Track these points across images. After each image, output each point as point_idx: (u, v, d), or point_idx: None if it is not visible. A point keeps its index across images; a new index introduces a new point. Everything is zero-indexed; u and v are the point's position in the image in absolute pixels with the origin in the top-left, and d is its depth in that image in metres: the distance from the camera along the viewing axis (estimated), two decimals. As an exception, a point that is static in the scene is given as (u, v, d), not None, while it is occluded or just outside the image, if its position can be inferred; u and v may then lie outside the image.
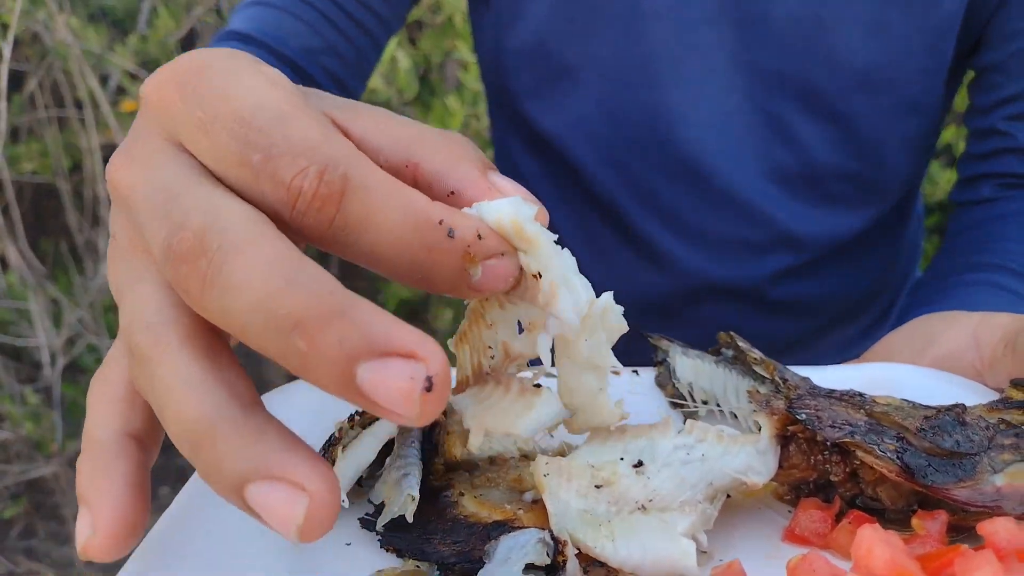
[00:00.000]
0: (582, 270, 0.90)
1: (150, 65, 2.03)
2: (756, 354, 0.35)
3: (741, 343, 0.36)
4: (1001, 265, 0.52)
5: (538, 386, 0.26)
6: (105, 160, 2.31)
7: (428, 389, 0.19)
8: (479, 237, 0.23)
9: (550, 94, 0.63)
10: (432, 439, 0.31)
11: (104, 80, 2.25)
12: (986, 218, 0.58)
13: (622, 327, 0.26)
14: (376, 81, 1.54)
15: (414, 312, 2.49)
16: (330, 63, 0.57)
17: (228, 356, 0.23)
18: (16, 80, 2.14)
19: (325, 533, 0.20)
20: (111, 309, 2.26)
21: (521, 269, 0.24)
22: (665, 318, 0.70)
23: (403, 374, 0.19)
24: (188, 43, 2.19)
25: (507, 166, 0.76)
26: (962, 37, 0.57)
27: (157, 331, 0.22)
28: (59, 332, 2.02)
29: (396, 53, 1.53)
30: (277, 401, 0.34)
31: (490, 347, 0.26)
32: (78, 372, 2.18)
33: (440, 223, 0.22)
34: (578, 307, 0.24)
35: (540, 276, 0.23)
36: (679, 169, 0.63)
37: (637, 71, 0.59)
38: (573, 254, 0.85)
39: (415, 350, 0.19)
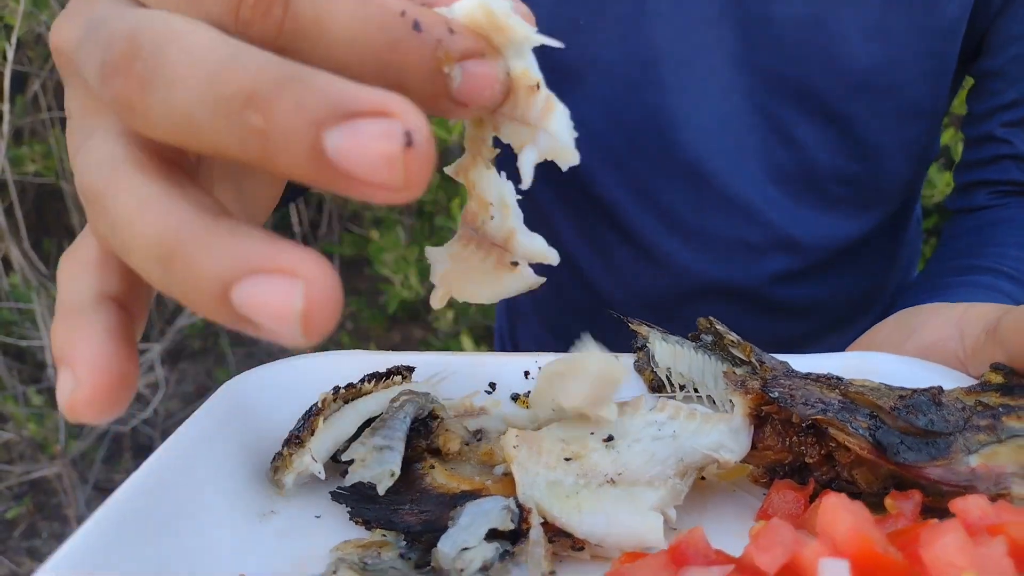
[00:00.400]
0: (583, 268, 0.89)
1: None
2: (733, 337, 0.35)
3: (719, 327, 0.36)
4: (994, 268, 0.52)
5: (516, 264, 0.24)
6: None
7: (409, 145, 0.17)
8: (450, 32, 0.20)
9: None
10: (428, 425, 0.31)
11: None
12: (981, 224, 0.58)
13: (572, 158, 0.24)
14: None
15: (415, 313, 2.49)
16: None
17: (189, 179, 0.21)
18: (18, 81, 2.15)
19: (329, 324, 0.18)
20: (113, 309, 2.27)
21: (511, 82, 0.21)
22: (665, 318, 0.70)
23: (377, 132, 0.17)
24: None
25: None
26: (964, 43, 0.57)
27: (109, 166, 0.20)
28: (61, 332, 2.03)
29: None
30: (253, 380, 0.34)
31: (491, 204, 0.24)
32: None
33: (403, 14, 0.20)
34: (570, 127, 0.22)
35: (539, 87, 0.21)
36: (680, 170, 0.63)
37: (639, 72, 0.59)
38: (573, 253, 0.83)
39: (386, 106, 0.17)
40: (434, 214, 2.08)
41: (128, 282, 0.22)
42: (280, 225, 2.82)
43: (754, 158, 0.61)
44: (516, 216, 0.23)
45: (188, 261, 0.18)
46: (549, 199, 0.71)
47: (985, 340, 0.34)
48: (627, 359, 0.40)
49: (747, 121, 0.59)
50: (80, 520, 1.85)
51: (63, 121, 2.44)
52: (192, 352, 2.43)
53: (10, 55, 1.75)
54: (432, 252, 0.24)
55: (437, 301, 0.23)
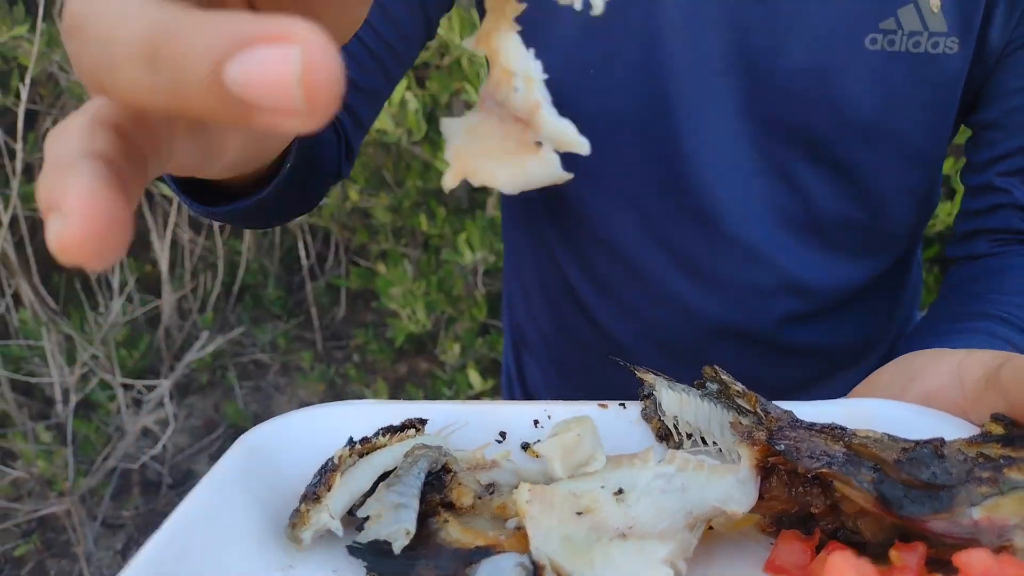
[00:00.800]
0: (590, 307, 0.90)
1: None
2: (739, 387, 0.36)
3: (724, 376, 0.37)
4: (996, 315, 0.53)
5: (540, 145, 0.22)
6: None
7: (309, 68, 0.16)
8: None
9: None
10: (441, 479, 0.32)
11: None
12: (982, 272, 0.59)
13: None
14: (386, 123, 1.57)
15: (421, 346, 2.49)
16: (350, 96, 0.58)
17: None
18: (29, 118, 2.19)
19: (332, 90, 0.17)
20: (124, 344, 2.28)
21: None
22: (675, 358, 0.71)
23: (273, 57, 0.16)
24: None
25: (514, 201, 0.77)
26: (963, 94, 0.58)
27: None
28: (72, 369, 2.03)
29: (406, 95, 1.56)
30: (268, 432, 0.34)
31: (515, 73, 0.21)
32: (91, 409, 2.20)
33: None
34: None
35: None
36: (692, 213, 0.64)
37: (651, 119, 0.60)
38: (580, 292, 0.84)
39: (285, 31, 0.16)
40: (440, 248, 2.10)
41: (120, 144, 0.21)
42: (287, 258, 2.84)
43: (761, 203, 0.62)
44: (542, 91, 0.21)
45: (176, 47, 0.17)
46: (556, 240, 0.73)
47: (985, 388, 0.35)
48: (634, 407, 0.40)
49: (754, 167, 0.61)
50: (88, 558, 1.84)
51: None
52: (199, 386, 2.44)
53: (24, 95, 1.79)
54: (447, 123, 0.22)
55: (450, 180, 0.21)
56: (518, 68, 0.20)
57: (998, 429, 0.32)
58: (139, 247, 2.85)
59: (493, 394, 1.96)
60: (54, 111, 2.37)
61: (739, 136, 0.59)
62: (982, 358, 0.36)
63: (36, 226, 2.61)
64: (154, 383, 2.12)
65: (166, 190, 2.09)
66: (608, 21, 0.58)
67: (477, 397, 1.93)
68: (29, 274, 2.24)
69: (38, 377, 2.07)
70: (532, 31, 0.61)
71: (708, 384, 0.39)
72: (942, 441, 0.31)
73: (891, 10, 0.54)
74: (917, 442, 0.31)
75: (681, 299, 0.68)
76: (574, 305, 0.75)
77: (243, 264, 2.61)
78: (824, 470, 0.29)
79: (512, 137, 0.21)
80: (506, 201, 0.81)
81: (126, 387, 2.16)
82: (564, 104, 0.67)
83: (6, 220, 1.97)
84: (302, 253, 2.59)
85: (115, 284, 2.34)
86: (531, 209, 0.74)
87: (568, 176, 0.21)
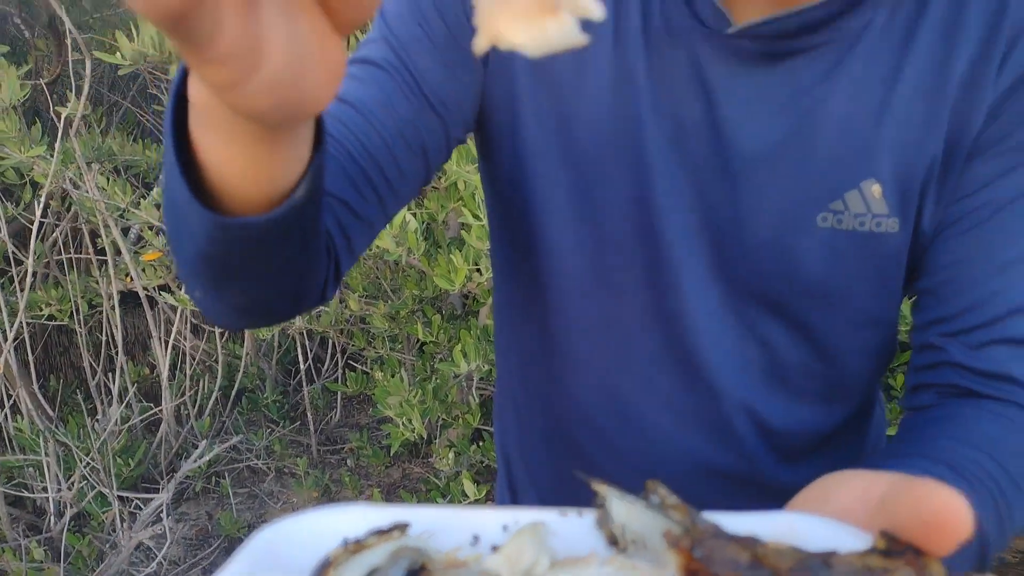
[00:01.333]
0: (579, 453, 0.95)
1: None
2: (673, 499, 0.40)
3: (662, 489, 0.41)
4: (930, 455, 0.56)
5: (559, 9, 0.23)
6: (121, 306, 2.41)
7: None
8: None
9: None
10: None
11: (126, 231, 2.39)
12: (925, 421, 0.63)
13: None
14: (388, 242, 1.65)
15: (415, 449, 2.50)
16: (347, 220, 0.62)
17: None
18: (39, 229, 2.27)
19: None
20: (121, 453, 2.29)
21: None
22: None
23: None
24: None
25: (508, 339, 0.83)
26: (907, 266, 0.65)
27: None
28: (68, 481, 2.03)
29: (406, 216, 1.65)
30: (274, 533, 0.39)
31: None
32: (84, 522, 2.18)
33: None
34: None
35: None
36: (677, 359, 0.70)
37: (643, 277, 0.68)
38: (572, 433, 0.90)
39: None
40: (435, 354, 2.14)
41: None
42: (284, 359, 2.88)
43: (734, 354, 0.69)
44: None
45: None
46: (548, 383, 0.78)
47: (880, 506, 0.37)
48: (591, 514, 0.44)
49: (727, 322, 0.68)
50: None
51: (80, 263, 2.55)
52: (194, 493, 2.43)
53: (38, 211, 1.88)
54: None
55: (481, 44, 0.22)
56: None
57: (882, 543, 0.36)
58: (137, 349, 2.89)
59: (487, 500, 1.97)
60: (62, 224, 2.47)
61: (712, 295, 0.67)
62: (888, 479, 0.39)
63: (36, 333, 2.67)
64: (150, 496, 2.12)
65: (169, 297, 2.16)
66: (601, 191, 0.66)
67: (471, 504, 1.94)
68: (29, 381, 2.27)
69: (32, 492, 2.06)
70: (533, 192, 0.68)
71: (650, 496, 0.43)
72: (834, 553, 0.35)
73: (839, 193, 0.62)
74: (812, 553, 0.35)
75: (668, 439, 0.73)
76: (566, 445, 0.79)
77: (242, 367, 2.64)
78: (729, 574, 0.33)
79: (535, 1, 0.22)
80: (500, 350, 0.86)
81: (122, 499, 2.15)
82: (557, 259, 0.74)
83: (11, 330, 2.02)
84: (300, 357, 2.63)
85: (115, 390, 2.37)
86: (524, 351, 0.80)
87: (585, 40, 0.22)
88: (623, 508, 0.43)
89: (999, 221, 0.60)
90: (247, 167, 0.41)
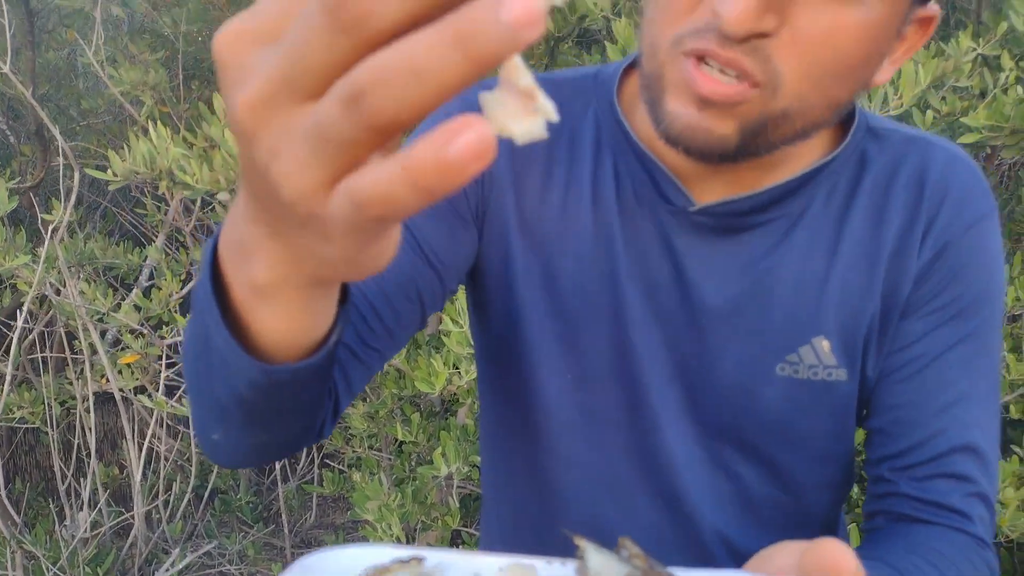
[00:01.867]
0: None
1: (152, 321, 2.18)
2: (637, 550, 0.47)
3: (630, 545, 0.48)
4: (879, 559, 0.63)
5: (537, 112, 0.31)
6: (95, 409, 2.38)
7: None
8: None
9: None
10: None
11: (104, 333, 2.39)
12: (877, 539, 0.71)
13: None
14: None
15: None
16: (349, 363, 0.66)
17: None
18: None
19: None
20: (91, 562, 2.22)
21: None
22: None
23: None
24: (190, 301, 2.36)
25: (494, 460, 0.87)
26: (857, 409, 0.73)
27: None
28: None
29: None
30: (314, 560, 0.43)
31: (518, 66, 0.30)
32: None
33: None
34: None
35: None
36: (657, 494, 0.76)
37: (625, 416, 0.75)
38: (544, 542, 0.94)
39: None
40: (412, 454, 2.15)
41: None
42: (259, 460, 2.84)
43: (709, 487, 0.75)
44: (534, 78, 0.30)
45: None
46: (537, 516, 0.82)
47: (799, 570, 0.44)
48: (571, 564, 0.50)
49: (701, 458, 0.74)
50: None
51: (58, 363, 2.53)
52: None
53: (19, 319, 1.88)
54: (484, 96, 0.30)
55: (491, 133, 0.28)
56: (519, 64, 0.29)
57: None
58: (106, 448, 2.84)
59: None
60: (40, 325, 2.46)
61: (687, 434, 0.74)
62: (818, 544, 0.45)
63: (2, 435, 2.61)
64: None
65: (146, 401, 2.15)
66: (586, 339, 0.73)
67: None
68: (-3, 486, 2.22)
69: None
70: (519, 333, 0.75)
71: (621, 550, 0.50)
72: None
73: (794, 347, 0.71)
74: None
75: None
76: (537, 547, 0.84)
77: (216, 467, 2.61)
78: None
79: (521, 104, 0.30)
80: (486, 471, 0.90)
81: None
82: (546, 399, 0.80)
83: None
84: (275, 458, 2.60)
85: (85, 493, 2.33)
86: (512, 479, 0.85)
87: (545, 135, 0.29)
88: (599, 559, 0.49)
89: (933, 370, 0.69)
90: (295, 322, 0.42)
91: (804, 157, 0.69)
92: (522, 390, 0.77)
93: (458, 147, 0.24)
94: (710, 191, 0.69)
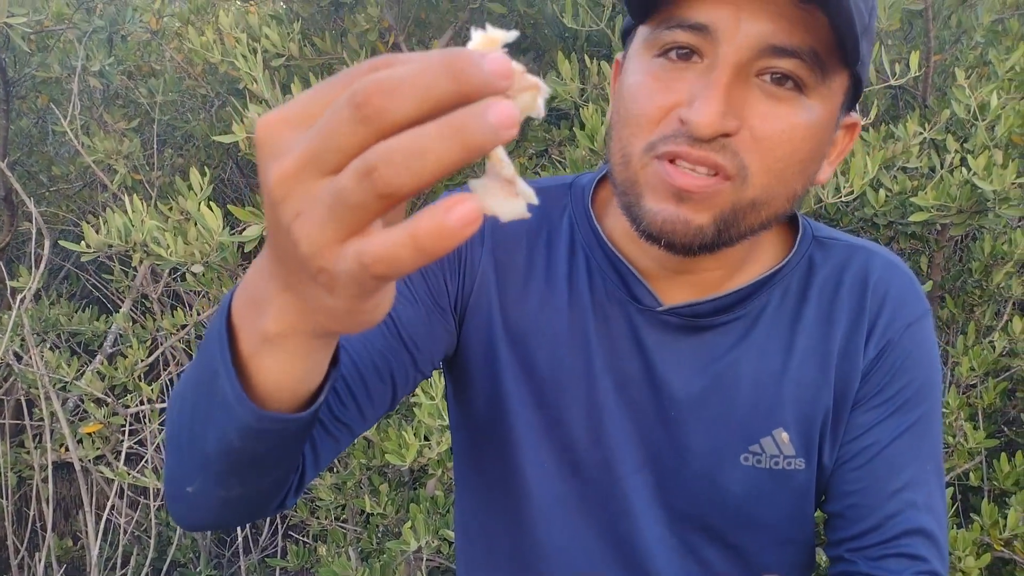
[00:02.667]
0: None
1: (116, 390, 2.14)
2: None
3: None
4: None
5: (518, 195, 0.35)
6: (53, 480, 2.31)
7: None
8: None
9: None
10: None
11: (65, 400, 2.34)
12: None
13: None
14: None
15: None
16: (319, 436, 0.67)
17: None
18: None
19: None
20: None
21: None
22: None
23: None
24: (156, 369, 2.33)
25: (470, 538, 0.88)
26: (816, 495, 0.78)
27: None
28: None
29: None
30: None
31: (502, 160, 0.35)
32: None
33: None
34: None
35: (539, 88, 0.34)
36: (636, 571, 0.79)
37: (601, 505, 0.78)
38: None
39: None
40: (380, 526, 2.11)
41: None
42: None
43: (679, 570, 0.78)
44: (514, 169, 0.35)
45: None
46: None
47: None
48: None
49: (671, 543, 0.78)
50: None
51: (13, 430, 2.46)
52: None
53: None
54: (474, 183, 0.35)
55: (480, 213, 0.33)
56: (503, 158, 0.35)
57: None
58: (59, 518, 2.74)
59: None
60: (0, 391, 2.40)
61: (658, 520, 0.77)
62: None
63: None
64: None
65: (107, 472, 2.10)
66: (565, 429, 0.77)
67: None
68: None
69: None
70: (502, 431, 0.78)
71: None
72: None
73: (756, 439, 0.76)
74: None
75: None
76: None
77: (175, 539, 2.54)
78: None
79: (504, 190, 0.35)
80: (462, 552, 0.91)
81: None
82: (526, 484, 0.83)
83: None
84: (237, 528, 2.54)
85: (39, 569, 2.24)
86: (490, 561, 0.86)
87: (527, 215, 0.34)
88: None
89: (884, 459, 0.75)
90: (295, 369, 0.46)
91: (760, 263, 0.76)
92: (504, 475, 0.80)
93: (455, 215, 0.31)
94: (677, 293, 0.75)
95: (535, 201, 0.35)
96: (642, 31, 0.67)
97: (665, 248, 0.66)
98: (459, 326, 0.78)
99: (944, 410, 1.68)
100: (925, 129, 1.70)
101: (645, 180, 0.65)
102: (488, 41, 0.35)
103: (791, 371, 0.75)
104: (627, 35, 0.72)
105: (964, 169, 1.61)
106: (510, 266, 0.78)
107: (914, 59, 1.59)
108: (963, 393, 1.81)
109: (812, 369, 0.75)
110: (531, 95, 0.34)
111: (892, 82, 1.60)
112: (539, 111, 0.34)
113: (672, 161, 0.63)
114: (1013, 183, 1.53)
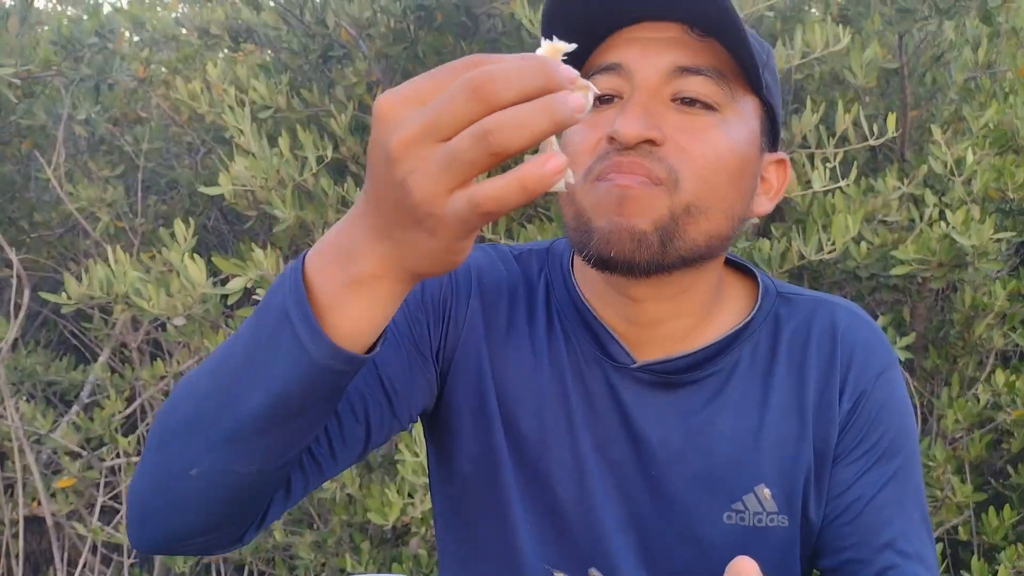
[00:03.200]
0: None
1: (92, 443, 2.09)
2: None
3: None
4: None
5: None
6: (23, 535, 2.25)
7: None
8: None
9: None
10: None
11: (39, 453, 2.28)
12: None
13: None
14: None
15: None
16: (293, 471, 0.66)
17: None
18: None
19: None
20: None
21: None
22: None
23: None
24: (133, 419, 2.28)
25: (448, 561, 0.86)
26: (802, 551, 0.79)
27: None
28: None
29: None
30: None
31: (551, 142, 0.45)
32: None
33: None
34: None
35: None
36: None
37: (589, 566, 0.78)
38: None
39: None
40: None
41: None
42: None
43: None
44: (559, 147, 0.45)
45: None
46: None
47: None
48: None
49: None
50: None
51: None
52: None
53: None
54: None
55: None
56: (554, 142, 0.45)
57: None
58: (29, 573, 2.65)
59: None
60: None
61: None
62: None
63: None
64: None
65: (80, 528, 2.04)
66: (550, 490, 0.78)
67: None
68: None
69: None
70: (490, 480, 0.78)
71: None
72: None
73: (739, 496, 0.76)
74: None
75: None
76: None
77: (149, 599, 2.46)
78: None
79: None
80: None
81: None
82: (513, 547, 0.82)
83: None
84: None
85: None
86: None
87: (566, 187, 0.45)
88: None
89: (871, 512, 0.75)
90: (377, 312, 0.51)
91: (725, 317, 0.78)
92: (492, 532, 0.79)
93: (550, 165, 0.41)
94: (649, 349, 0.77)
95: (596, 90, 0.45)
96: None
97: (620, 271, 0.68)
98: (442, 379, 0.79)
99: (931, 463, 1.68)
100: (904, 184, 1.72)
101: (590, 203, 0.69)
102: (553, 50, 0.45)
103: (768, 427, 0.76)
104: None
105: (943, 223, 1.63)
106: (495, 320, 0.80)
107: (891, 120, 1.63)
108: (949, 445, 1.81)
109: (789, 424, 0.76)
110: (584, 93, 0.43)
111: (871, 142, 1.63)
112: (589, 105, 0.43)
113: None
114: (991, 238, 1.55)
